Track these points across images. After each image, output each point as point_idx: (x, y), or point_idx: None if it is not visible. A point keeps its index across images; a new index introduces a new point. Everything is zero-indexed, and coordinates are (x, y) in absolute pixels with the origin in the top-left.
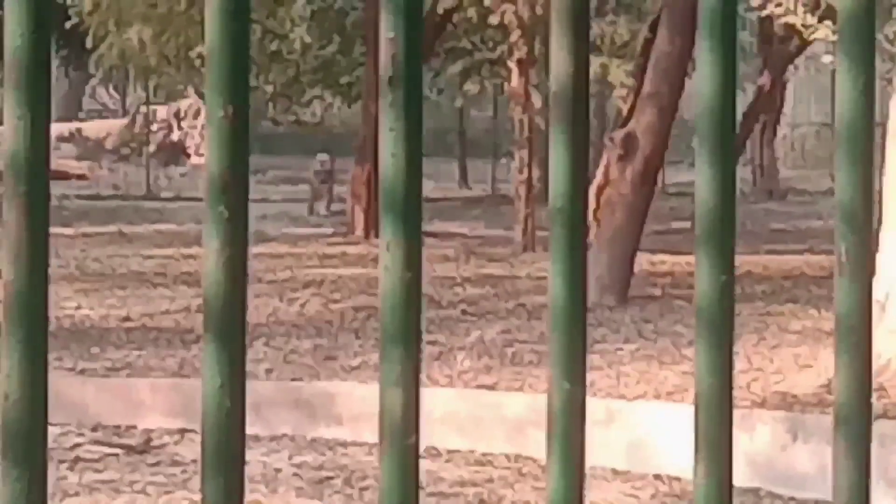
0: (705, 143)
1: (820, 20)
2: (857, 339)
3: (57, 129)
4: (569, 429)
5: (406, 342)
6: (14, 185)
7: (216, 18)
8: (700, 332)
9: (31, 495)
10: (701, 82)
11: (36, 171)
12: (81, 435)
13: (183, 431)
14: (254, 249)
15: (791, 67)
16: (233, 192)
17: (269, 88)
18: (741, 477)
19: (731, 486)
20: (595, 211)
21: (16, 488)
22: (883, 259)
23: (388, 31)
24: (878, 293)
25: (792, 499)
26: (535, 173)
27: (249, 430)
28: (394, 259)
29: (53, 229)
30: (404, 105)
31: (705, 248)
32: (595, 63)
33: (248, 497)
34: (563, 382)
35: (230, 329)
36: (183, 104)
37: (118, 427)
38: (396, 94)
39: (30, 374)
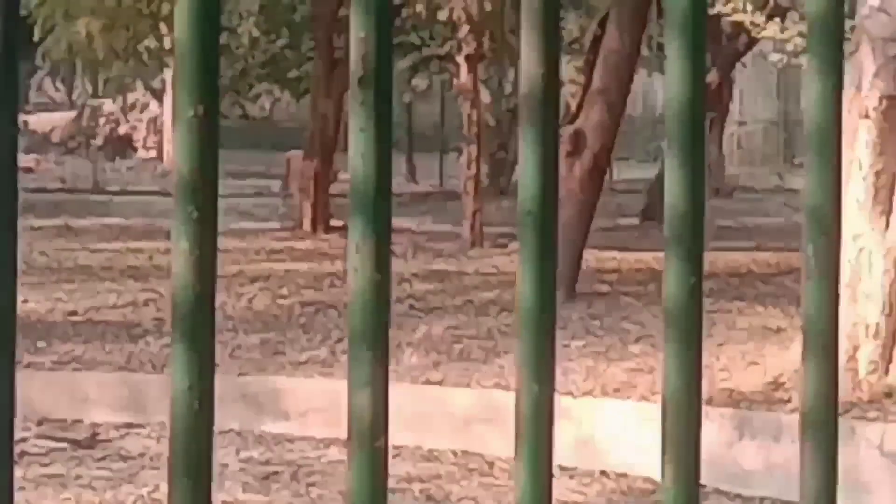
0: (674, 144)
1: (768, 18)
2: (824, 341)
3: None
4: (537, 431)
5: (375, 344)
6: None
7: (186, 18)
8: (669, 333)
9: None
10: (669, 83)
11: (4, 165)
12: (27, 429)
13: (129, 426)
14: None
15: (738, 65)
16: (202, 192)
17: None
18: None
19: (698, 486)
20: None
21: None
22: None
23: (358, 30)
24: None
25: (738, 496)
26: (483, 169)
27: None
28: (363, 260)
29: None
30: (375, 105)
31: (675, 250)
32: None
33: None
34: (532, 384)
35: (199, 330)
36: (131, 98)
37: (64, 421)
38: (367, 94)
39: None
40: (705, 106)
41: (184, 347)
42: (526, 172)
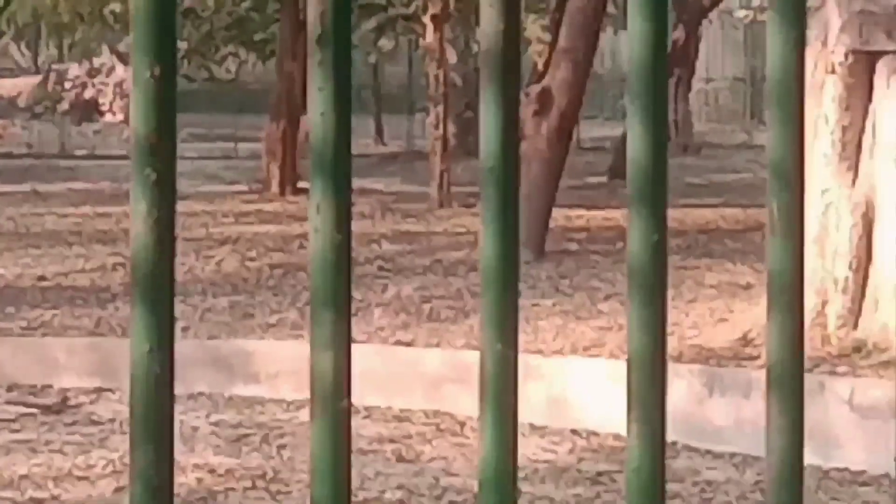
0: (637, 101)
1: None
2: (789, 297)
3: None
4: (501, 389)
5: (337, 304)
6: None
7: None
8: (633, 290)
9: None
10: (632, 41)
11: None
12: None
13: (99, 391)
14: None
15: (705, 22)
16: (160, 153)
17: (183, 45)
18: None
19: (664, 444)
20: None
21: None
22: None
23: None
24: None
25: (708, 451)
26: (451, 129)
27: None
28: (324, 220)
29: None
30: (333, 64)
31: (637, 206)
32: None
33: None
34: (495, 343)
35: (159, 292)
36: (97, 62)
37: (34, 387)
38: (325, 54)
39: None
40: (669, 63)
41: (144, 310)
42: (487, 129)
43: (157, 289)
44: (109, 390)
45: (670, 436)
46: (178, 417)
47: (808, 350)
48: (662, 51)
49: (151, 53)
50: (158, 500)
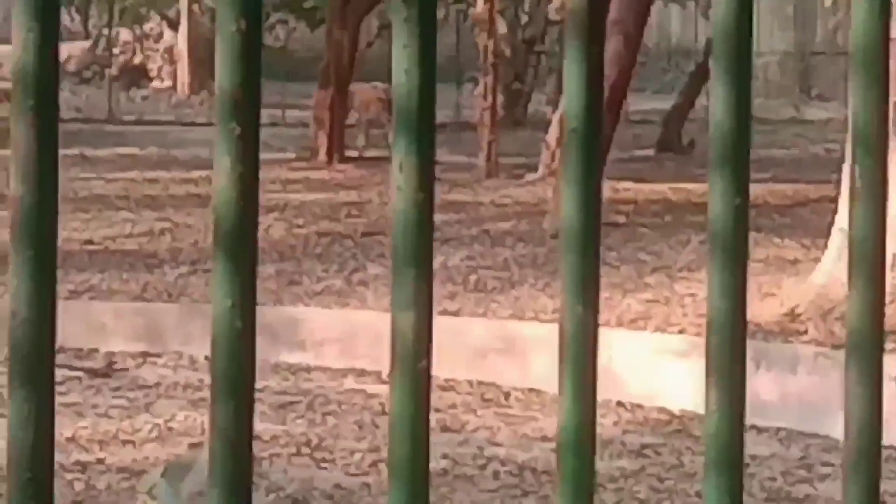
0: (721, 64)
1: None
2: (871, 265)
3: None
4: (581, 353)
5: (418, 265)
6: (22, 99)
7: None
8: (713, 255)
9: (40, 417)
10: (715, 7)
11: (45, 85)
12: None
13: (145, 355)
14: None
15: None
16: (244, 108)
17: None
18: (703, 404)
19: (743, 411)
20: (559, 138)
21: (24, 409)
22: None
23: None
24: None
25: (754, 426)
26: (499, 100)
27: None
28: (407, 180)
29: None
30: (419, 21)
31: (720, 171)
32: None
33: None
34: (576, 306)
35: (241, 248)
36: (146, 28)
37: (80, 350)
38: (411, 11)
39: (39, 293)
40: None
41: (225, 266)
42: (570, 89)
43: (240, 244)
44: (156, 355)
45: None
46: None
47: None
48: (748, 13)
49: (236, 5)
50: (238, 456)
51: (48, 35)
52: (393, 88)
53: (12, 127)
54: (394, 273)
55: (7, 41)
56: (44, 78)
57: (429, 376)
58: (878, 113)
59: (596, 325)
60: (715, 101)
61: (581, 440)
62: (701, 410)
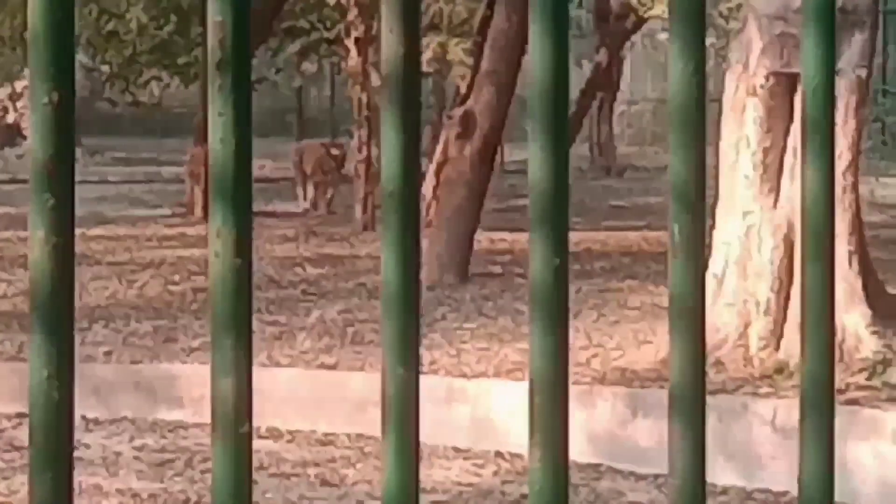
0: (538, 125)
1: None
2: (690, 319)
3: None
4: (403, 413)
5: (237, 330)
6: None
7: (38, 2)
8: (535, 315)
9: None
10: (534, 65)
11: None
12: None
13: (22, 416)
14: (92, 231)
15: (628, 44)
16: (58, 180)
17: (106, 69)
18: (582, 453)
19: (566, 469)
20: (435, 189)
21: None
22: (718, 234)
23: (215, 14)
24: (714, 268)
25: (632, 473)
26: (375, 152)
27: (89, 414)
28: (224, 245)
29: None
30: (233, 90)
31: (539, 230)
32: (433, 41)
33: (88, 481)
34: (396, 367)
35: (58, 319)
36: (18, 85)
37: None
38: (225, 79)
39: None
40: (591, 86)
41: (42, 336)
42: (388, 154)
43: (56, 315)
44: None
45: (594, 458)
46: (100, 442)
47: (731, 371)
48: (563, 73)
49: (48, 79)
50: None
51: None
52: (210, 156)
53: None
54: (213, 339)
55: None
56: None
57: (250, 441)
58: (695, 171)
59: (417, 385)
60: (533, 162)
61: (404, 497)
62: (581, 459)
